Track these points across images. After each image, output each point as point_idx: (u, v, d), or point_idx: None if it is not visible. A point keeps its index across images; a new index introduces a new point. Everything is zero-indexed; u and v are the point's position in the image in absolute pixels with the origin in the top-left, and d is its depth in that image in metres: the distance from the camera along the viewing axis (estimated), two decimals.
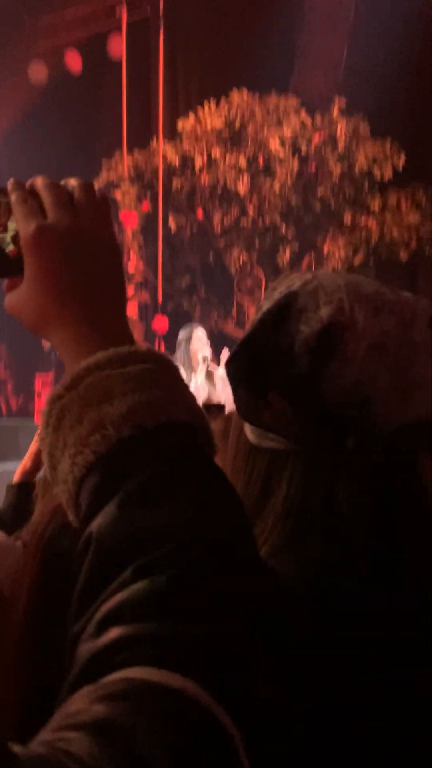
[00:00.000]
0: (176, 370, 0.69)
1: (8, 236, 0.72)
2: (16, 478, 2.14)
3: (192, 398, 0.67)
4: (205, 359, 5.64)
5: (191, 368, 5.72)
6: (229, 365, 0.88)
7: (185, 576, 0.54)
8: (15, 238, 0.72)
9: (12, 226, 0.72)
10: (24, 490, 2.07)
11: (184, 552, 0.56)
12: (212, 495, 0.61)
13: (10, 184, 0.73)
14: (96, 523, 0.58)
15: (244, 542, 0.60)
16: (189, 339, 5.81)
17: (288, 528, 0.84)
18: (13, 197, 0.72)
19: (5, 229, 0.72)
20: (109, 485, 0.60)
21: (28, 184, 0.73)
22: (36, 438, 2.16)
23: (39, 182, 0.73)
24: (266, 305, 0.88)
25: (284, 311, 0.85)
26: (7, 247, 0.72)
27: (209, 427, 0.67)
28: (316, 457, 0.84)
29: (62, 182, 0.74)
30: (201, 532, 0.57)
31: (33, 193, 0.72)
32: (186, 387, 0.68)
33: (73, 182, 0.74)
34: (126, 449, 0.61)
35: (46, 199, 0.71)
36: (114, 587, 0.55)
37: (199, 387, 5.59)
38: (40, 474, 1.75)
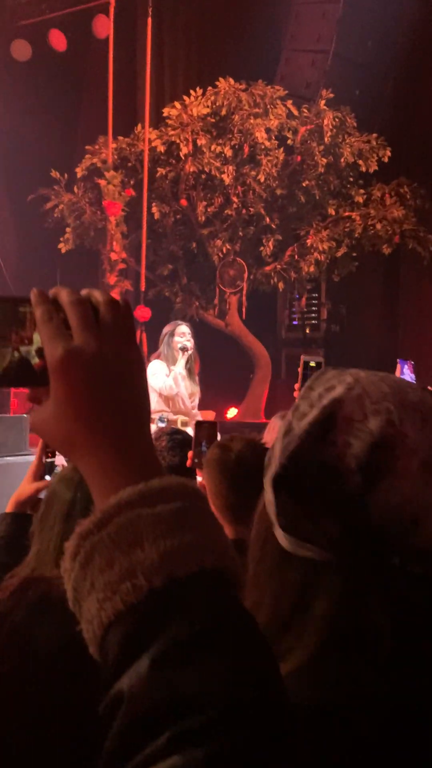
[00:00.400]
0: (206, 503, 0.68)
1: (33, 349, 0.71)
2: (10, 507, 2.11)
3: (222, 537, 0.66)
4: (185, 349, 5.75)
5: (174, 360, 5.81)
6: (278, 481, 0.84)
7: (222, 751, 0.54)
8: (40, 351, 0.71)
9: (37, 338, 0.71)
10: (18, 521, 2.04)
11: (220, 722, 0.55)
12: (246, 652, 0.60)
13: (33, 296, 0.72)
14: (127, 682, 0.58)
15: (278, 703, 0.59)
16: (172, 333, 5.87)
17: (322, 645, 0.81)
18: (38, 313, 0.70)
19: (30, 341, 0.72)
20: (139, 638, 0.59)
21: (51, 293, 0.72)
22: (32, 467, 2.13)
23: (64, 297, 0.71)
24: (305, 409, 0.85)
25: (330, 420, 0.83)
26: (33, 359, 0.71)
27: (239, 569, 0.66)
28: (357, 571, 0.81)
29: (85, 292, 0.73)
30: (237, 698, 0.56)
31: (56, 304, 0.71)
32: (216, 524, 0.67)
33: (98, 297, 0.72)
34: (157, 601, 0.60)
35: (72, 319, 0.70)
36: (147, 755, 0.54)
37: (178, 376, 5.74)
38: (40, 510, 1.72)
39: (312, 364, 2.35)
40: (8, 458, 5.37)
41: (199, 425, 2.55)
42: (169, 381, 5.73)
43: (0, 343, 0.71)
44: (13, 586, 1.12)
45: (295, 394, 2.40)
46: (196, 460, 2.44)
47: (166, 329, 5.97)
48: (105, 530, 0.63)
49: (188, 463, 2.46)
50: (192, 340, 5.86)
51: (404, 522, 0.78)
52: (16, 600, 1.08)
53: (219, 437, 2.43)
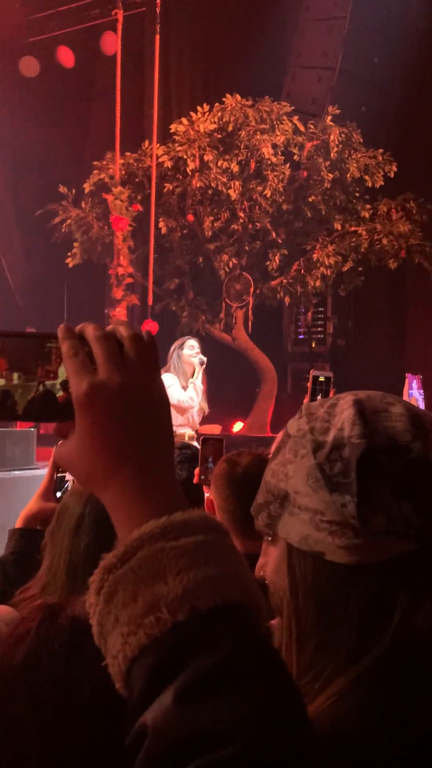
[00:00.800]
0: (229, 537, 0.68)
1: (58, 383, 0.73)
2: (19, 522, 2.11)
3: (245, 570, 0.67)
4: (203, 363, 5.94)
5: (184, 373, 5.99)
6: (366, 481, 0.85)
7: None
8: (65, 385, 0.72)
9: (62, 372, 0.72)
10: (28, 537, 2.04)
11: (244, 756, 0.55)
12: (269, 686, 0.60)
13: (60, 331, 0.73)
14: (151, 716, 0.58)
15: (303, 737, 0.59)
16: (182, 346, 6.05)
17: (395, 647, 0.82)
18: (63, 348, 0.72)
19: (56, 376, 0.73)
20: (163, 671, 0.60)
21: (78, 329, 0.73)
22: (43, 483, 2.14)
23: (90, 333, 0.72)
24: (333, 421, 0.87)
25: (360, 417, 0.86)
26: (58, 392, 0.73)
27: (261, 600, 0.66)
28: (427, 561, 0.83)
29: (110, 327, 0.74)
30: (260, 733, 0.57)
31: (82, 339, 0.72)
32: (240, 557, 0.68)
33: (122, 332, 0.74)
34: (180, 634, 0.61)
35: (98, 353, 0.71)
36: None
37: (198, 389, 5.95)
38: (51, 525, 1.73)
39: (321, 378, 2.36)
40: (16, 472, 5.38)
41: (205, 441, 2.55)
42: (189, 393, 5.91)
43: (26, 377, 0.73)
44: (40, 614, 1.10)
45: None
46: (203, 477, 2.44)
47: (176, 344, 6.11)
48: (128, 564, 0.64)
49: (195, 479, 2.47)
50: (201, 355, 6.00)
51: None
52: (47, 629, 1.06)
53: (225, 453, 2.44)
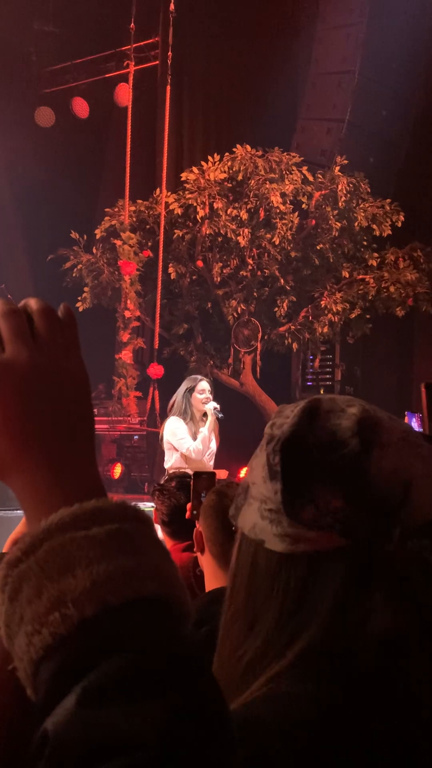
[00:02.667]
0: (149, 526, 0.62)
1: None
2: (6, 547, 2.11)
3: (166, 562, 0.61)
4: (216, 409, 5.60)
5: (193, 417, 5.67)
6: (282, 464, 0.85)
7: None
8: None
9: None
10: None
11: (154, 764, 0.50)
12: (185, 688, 0.55)
13: None
14: (52, 720, 0.52)
15: (218, 743, 0.54)
16: (192, 389, 5.68)
17: (313, 644, 0.81)
18: None
19: None
20: (68, 673, 0.54)
21: None
22: None
23: None
24: (290, 416, 0.88)
25: (312, 414, 0.86)
26: None
27: (184, 594, 0.61)
28: (357, 556, 0.82)
29: (21, 304, 0.68)
30: (173, 737, 0.51)
31: None
32: (161, 548, 0.61)
33: (33, 305, 0.68)
34: (88, 632, 0.55)
35: (3, 330, 0.65)
36: None
37: (206, 439, 5.61)
38: None
39: None
40: (18, 512, 5.37)
41: (197, 476, 2.51)
42: (197, 444, 5.58)
43: None
44: None
45: None
46: (194, 512, 2.41)
47: (186, 384, 5.78)
48: (34, 557, 0.57)
49: (187, 515, 2.44)
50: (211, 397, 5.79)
51: (398, 486, 0.83)
52: None
53: None
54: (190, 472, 5.49)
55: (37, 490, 0.61)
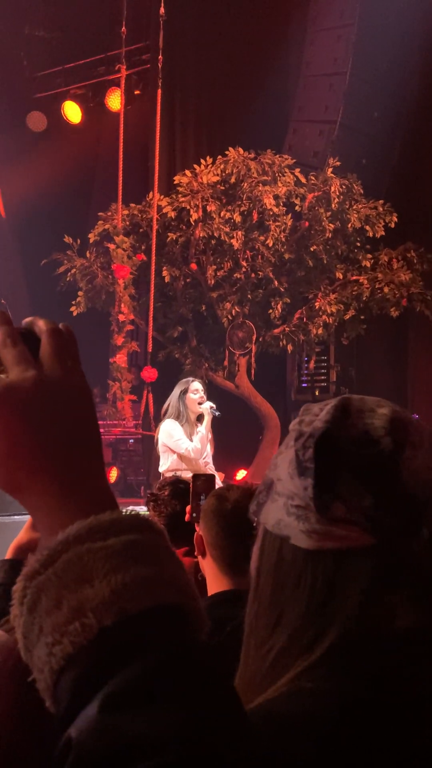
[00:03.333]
0: (163, 537, 0.63)
1: None
2: (9, 553, 2.10)
3: (180, 571, 0.62)
4: (212, 408, 5.71)
5: (188, 419, 5.75)
6: (315, 461, 0.86)
7: None
8: None
9: None
10: (18, 568, 2.03)
11: None
12: (204, 693, 0.56)
13: None
14: (76, 728, 0.53)
15: (237, 747, 0.55)
16: (186, 390, 5.81)
17: (341, 639, 0.82)
18: None
19: None
20: (90, 682, 0.55)
21: None
22: None
23: (0, 333, 0.68)
24: (320, 414, 0.89)
25: (345, 409, 0.87)
26: None
27: (199, 604, 0.62)
28: (385, 554, 0.83)
29: (28, 321, 0.71)
30: (193, 742, 0.52)
31: None
32: (175, 558, 0.63)
33: (42, 326, 0.70)
34: (108, 640, 0.56)
35: (6, 356, 0.66)
36: None
37: (204, 438, 5.69)
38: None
39: None
40: (16, 517, 5.36)
41: (196, 478, 2.51)
42: (195, 443, 5.66)
43: None
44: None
45: None
46: (194, 515, 2.40)
47: (179, 387, 5.88)
48: (52, 569, 0.59)
49: (186, 517, 2.44)
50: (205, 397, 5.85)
51: (428, 486, 0.84)
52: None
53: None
54: (184, 475, 5.54)
55: (51, 506, 0.63)
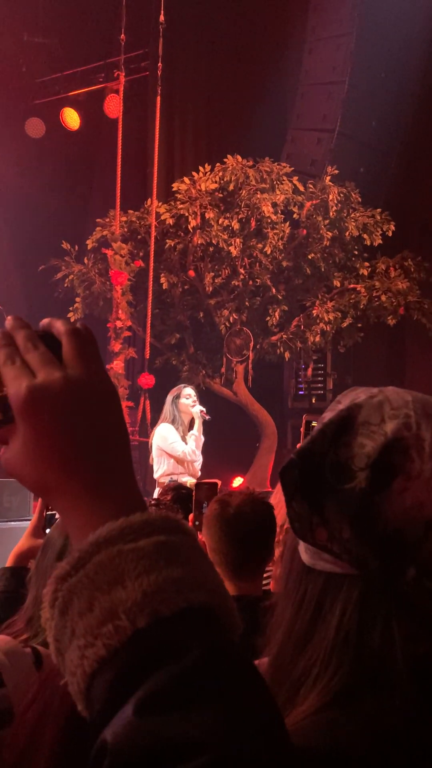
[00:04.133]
0: (193, 537, 0.63)
1: None
2: (10, 561, 2.11)
3: (212, 572, 0.62)
4: (202, 412, 5.85)
5: (182, 423, 5.90)
6: (284, 474, 0.81)
7: None
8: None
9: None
10: (18, 575, 2.03)
11: None
12: (240, 694, 0.55)
13: None
14: (111, 731, 0.52)
15: (275, 748, 0.54)
16: (178, 396, 5.94)
17: (338, 664, 0.78)
18: (0, 356, 0.66)
19: None
20: (123, 684, 0.54)
21: (7, 327, 0.69)
22: (32, 521, 2.14)
23: (20, 339, 0.67)
24: (328, 416, 0.84)
25: (346, 423, 0.81)
26: None
27: (231, 604, 0.61)
28: (373, 586, 0.77)
29: (46, 322, 0.70)
30: (230, 744, 0.52)
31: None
32: (206, 559, 0.63)
33: (60, 327, 0.69)
34: (142, 643, 0.56)
35: (32, 359, 0.66)
36: None
37: (198, 440, 5.85)
38: (37, 558, 1.72)
39: (314, 424, 2.37)
40: (12, 523, 5.36)
41: (198, 486, 2.53)
42: (191, 446, 5.81)
43: None
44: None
45: None
46: (197, 522, 2.41)
47: (172, 393, 6.03)
48: (83, 571, 0.58)
49: (189, 525, 2.44)
50: (198, 403, 5.95)
51: (419, 525, 0.76)
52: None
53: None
54: (180, 479, 5.58)
55: (81, 508, 0.62)
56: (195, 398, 5.94)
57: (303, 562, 0.83)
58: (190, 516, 2.49)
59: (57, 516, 2.15)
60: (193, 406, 5.89)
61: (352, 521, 0.77)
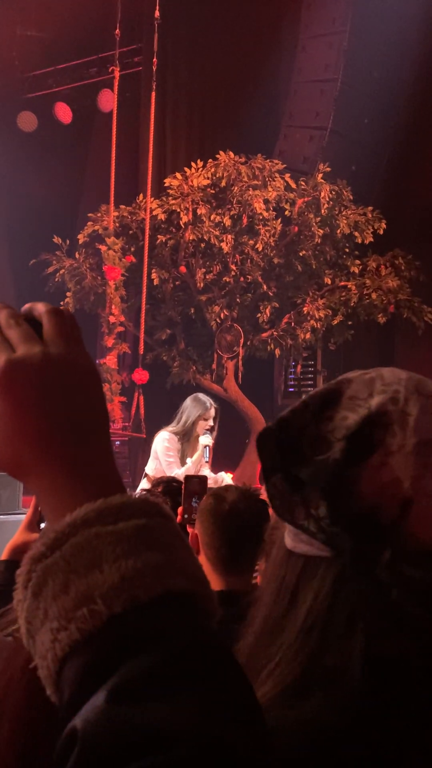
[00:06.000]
0: (173, 522, 0.61)
1: None
2: (4, 554, 2.11)
3: (192, 558, 0.60)
4: (206, 447, 5.41)
5: (189, 439, 5.51)
6: (261, 444, 0.77)
7: None
8: None
9: None
10: (12, 569, 2.04)
11: (188, 762, 0.49)
12: (217, 684, 0.53)
13: None
14: (82, 718, 0.50)
15: (252, 738, 0.52)
16: (200, 415, 5.50)
17: (296, 654, 0.74)
18: None
19: None
20: (96, 671, 0.52)
21: None
22: (28, 514, 2.15)
23: (3, 315, 0.65)
24: (317, 389, 0.81)
25: (333, 395, 0.77)
26: None
27: (211, 591, 0.60)
28: (347, 569, 0.74)
29: (27, 306, 0.68)
30: (208, 736, 0.50)
31: None
32: (186, 544, 0.61)
33: (41, 308, 0.67)
34: (118, 628, 0.54)
35: (12, 335, 0.64)
36: None
37: (189, 470, 5.32)
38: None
39: None
40: (2, 516, 5.36)
41: (188, 479, 2.53)
42: (183, 471, 5.23)
43: None
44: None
45: None
46: (186, 516, 2.41)
47: (198, 409, 5.57)
48: (59, 552, 0.57)
49: (178, 518, 2.45)
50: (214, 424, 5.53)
51: (395, 503, 0.72)
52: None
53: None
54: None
55: (58, 487, 0.60)
56: (213, 421, 5.54)
57: (285, 546, 0.80)
58: (179, 509, 2.50)
59: None
60: (207, 429, 5.49)
61: (325, 496, 0.73)
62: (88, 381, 0.64)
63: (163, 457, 5.47)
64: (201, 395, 5.73)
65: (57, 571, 0.56)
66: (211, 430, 5.54)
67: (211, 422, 5.55)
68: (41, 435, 0.61)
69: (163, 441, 5.55)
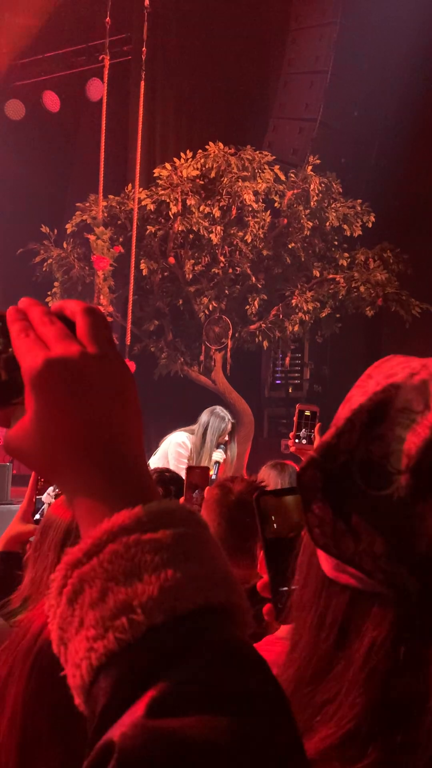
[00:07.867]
0: (209, 531, 0.60)
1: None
2: (0, 545, 2.11)
3: (229, 569, 0.59)
4: (216, 462, 5.15)
5: (201, 452, 5.31)
6: (303, 475, 0.69)
7: None
8: (8, 364, 0.64)
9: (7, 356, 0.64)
10: (9, 560, 2.04)
11: None
12: (257, 699, 0.53)
13: (9, 314, 0.65)
14: (119, 732, 0.49)
15: (292, 756, 0.52)
16: (219, 428, 5.32)
17: (354, 703, 0.67)
18: (14, 329, 0.63)
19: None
20: (133, 682, 0.52)
21: (21, 305, 0.67)
22: (22, 505, 2.13)
23: (35, 315, 0.64)
24: (358, 399, 0.71)
25: (381, 408, 0.67)
26: None
27: (247, 603, 0.59)
28: (411, 614, 0.66)
29: (58, 304, 0.67)
30: (244, 751, 0.49)
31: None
32: (223, 555, 0.60)
33: (75, 307, 0.66)
34: (156, 639, 0.53)
35: (47, 333, 0.63)
36: None
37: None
38: (34, 537, 1.72)
39: (307, 413, 2.38)
40: None
41: (190, 470, 2.52)
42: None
43: None
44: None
45: (290, 442, 2.43)
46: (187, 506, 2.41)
47: (219, 422, 5.36)
48: (97, 559, 0.56)
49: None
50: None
51: None
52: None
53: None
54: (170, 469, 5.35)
55: (93, 491, 0.59)
56: (227, 436, 5.34)
57: (323, 571, 0.72)
58: (181, 500, 2.50)
59: (45, 502, 2.15)
60: (220, 443, 5.28)
61: (388, 535, 0.65)
62: (124, 383, 0.63)
63: (175, 462, 5.31)
64: (219, 409, 5.53)
65: (94, 579, 0.55)
66: (225, 444, 5.36)
67: (226, 437, 5.38)
68: (77, 436, 0.60)
69: (178, 446, 5.40)
